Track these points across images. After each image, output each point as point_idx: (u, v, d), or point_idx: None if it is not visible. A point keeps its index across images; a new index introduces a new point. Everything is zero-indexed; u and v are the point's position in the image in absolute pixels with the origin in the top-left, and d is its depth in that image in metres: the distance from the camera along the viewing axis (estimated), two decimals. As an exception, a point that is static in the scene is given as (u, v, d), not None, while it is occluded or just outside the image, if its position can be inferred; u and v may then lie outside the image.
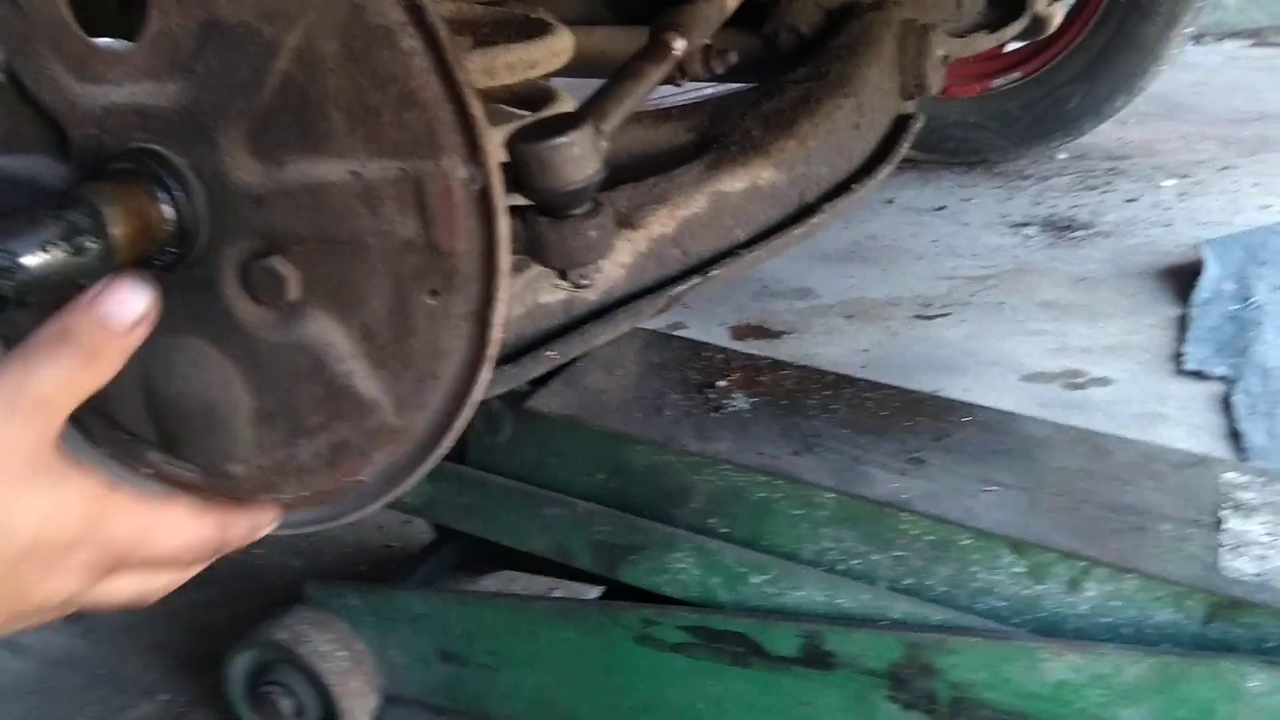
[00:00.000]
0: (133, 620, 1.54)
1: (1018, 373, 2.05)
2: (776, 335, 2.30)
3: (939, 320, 2.30)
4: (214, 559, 0.83)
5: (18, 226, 0.75)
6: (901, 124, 1.44)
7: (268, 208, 0.82)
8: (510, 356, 1.07)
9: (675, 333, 2.25)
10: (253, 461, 0.92)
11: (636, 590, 1.14)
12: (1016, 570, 0.97)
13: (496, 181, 0.79)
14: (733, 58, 1.22)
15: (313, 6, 0.76)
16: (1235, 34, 4.64)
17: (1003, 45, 2.62)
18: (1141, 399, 1.93)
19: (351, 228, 0.81)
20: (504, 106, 1.34)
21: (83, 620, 1.55)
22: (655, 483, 1.09)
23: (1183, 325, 2.16)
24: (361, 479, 0.91)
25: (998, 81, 3.08)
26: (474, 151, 0.77)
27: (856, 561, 1.02)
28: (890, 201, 3.00)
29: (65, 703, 1.43)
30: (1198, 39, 4.35)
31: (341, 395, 0.87)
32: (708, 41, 1.15)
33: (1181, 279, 2.37)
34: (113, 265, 0.80)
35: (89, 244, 0.77)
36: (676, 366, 1.25)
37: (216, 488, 0.96)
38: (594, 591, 1.32)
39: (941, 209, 2.98)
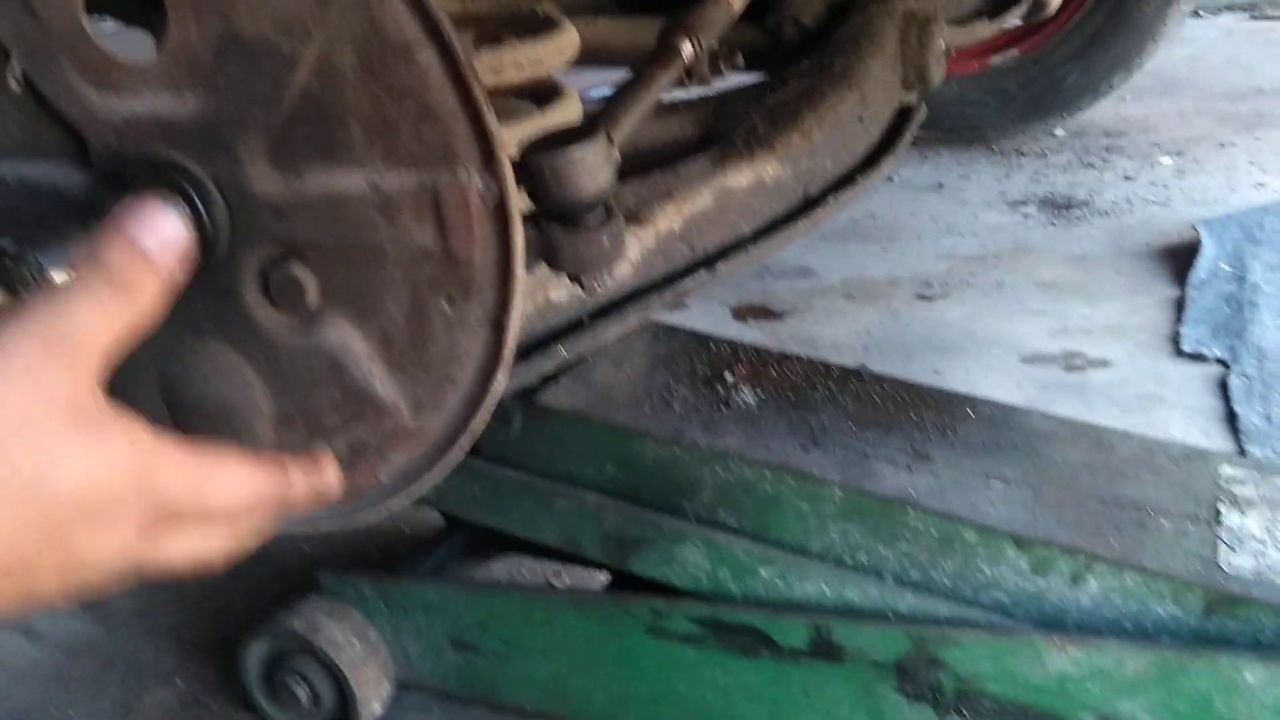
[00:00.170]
0: (147, 606, 1.56)
1: (1018, 354, 2.07)
2: (778, 316, 2.32)
3: (939, 301, 2.32)
4: (277, 519, 0.75)
5: (43, 239, 0.76)
6: (904, 115, 1.45)
7: (287, 216, 0.84)
8: (521, 353, 1.08)
9: (677, 313, 2.28)
10: (272, 462, 0.94)
11: (643, 580, 1.16)
12: (1020, 565, 1.00)
13: (512, 192, 0.80)
14: (739, 60, 1.23)
15: (330, 21, 0.77)
16: (1232, 7, 4.63)
17: (1001, 24, 2.62)
18: (1140, 381, 1.95)
19: (370, 236, 0.83)
20: (512, 100, 1.35)
21: (98, 606, 1.57)
22: (665, 476, 1.11)
23: (1180, 306, 2.17)
24: (379, 479, 0.93)
25: (995, 59, 3.08)
26: (490, 163, 0.79)
27: (863, 555, 1.05)
28: (889, 179, 3.01)
29: (81, 689, 1.45)
30: (1195, 12, 4.34)
31: (359, 398, 0.89)
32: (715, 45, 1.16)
33: (1179, 258, 2.39)
34: (136, 276, 0.82)
35: (114, 256, 0.79)
36: (684, 359, 1.27)
37: (236, 487, 0.97)
38: (600, 576, 1.34)
39: (940, 187, 2.99)
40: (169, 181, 0.84)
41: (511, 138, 1.08)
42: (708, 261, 1.21)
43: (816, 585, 1.05)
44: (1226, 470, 1.10)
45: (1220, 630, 0.94)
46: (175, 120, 0.84)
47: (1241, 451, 1.69)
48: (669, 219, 1.19)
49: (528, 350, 1.09)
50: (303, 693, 1.25)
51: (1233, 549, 0.98)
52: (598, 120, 0.94)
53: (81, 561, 0.58)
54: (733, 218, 1.24)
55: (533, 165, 0.83)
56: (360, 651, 1.24)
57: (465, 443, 0.89)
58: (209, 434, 0.95)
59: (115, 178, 0.86)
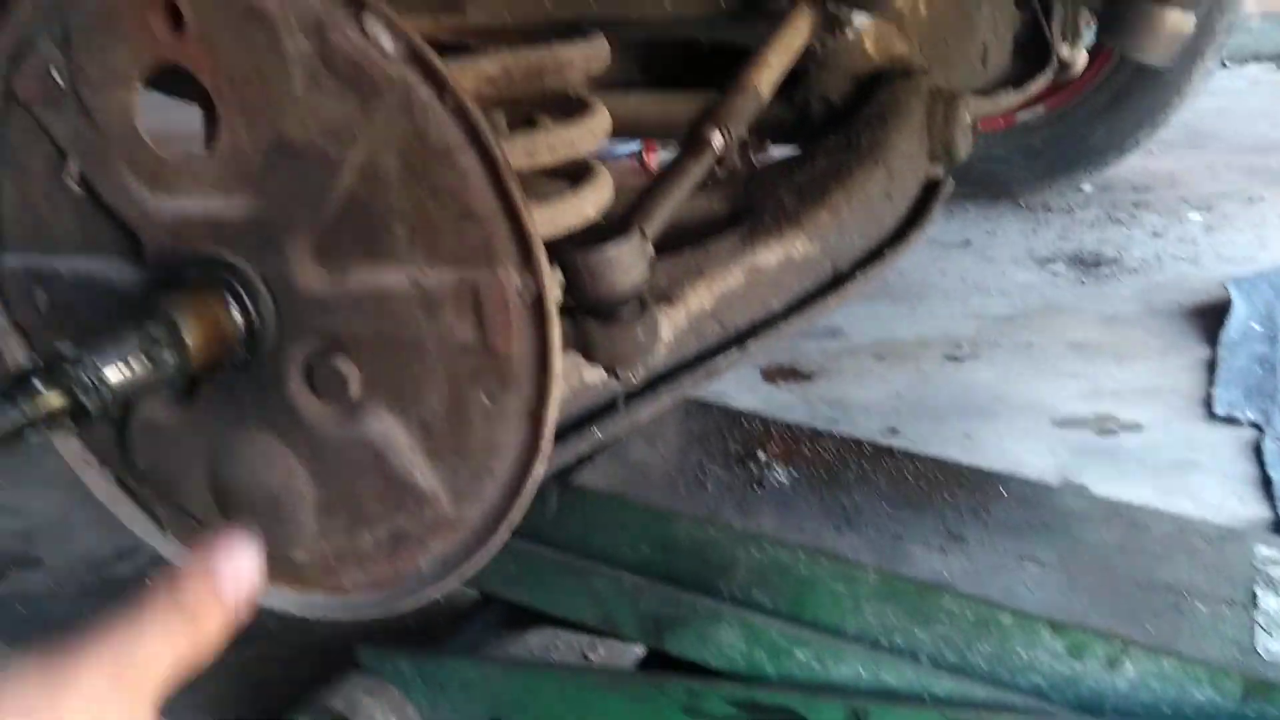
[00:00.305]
0: (188, 677, 1.58)
1: (1049, 417, 2.07)
2: (808, 377, 2.33)
3: (969, 362, 2.33)
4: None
5: (100, 342, 0.79)
6: (931, 189, 1.47)
7: (332, 312, 0.86)
8: (557, 435, 1.10)
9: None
10: (315, 549, 0.96)
11: (679, 658, 1.16)
12: (1057, 649, 1.00)
13: (550, 290, 0.82)
14: (769, 148, 1.26)
15: (375, 127, 0.80)
16: (1259, 58, 4.64)
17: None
18: (1173, 445, 1.94)
19: (411, 331, 0.85)
20: (544, 179, 1.38)
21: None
22: (700, 556, 1.12)
23: (1212, 367, 2.17)
24: (419, 566, 0.94)
25: (1022, 115, 3.10)
26: (529, 262, 0.81)
27: (899, 637, 1.05)
28: (917, 237, 3.02)
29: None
30: (1221, 63, 4.35)
31: (400, 487, 0.91)
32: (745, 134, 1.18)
33: (1209, 318, 2.39)
34: (187, 373, 0.85)
35: (167, 356, 0.81)
36: (717, 437, 1.28)
37: (279, 573, 0.99)
38: (635, 649, 1.35)
39: (967, 244, 3.00)
40: (219, 280, 0.86)
41: (544, 218, 1.10)
42: (739, 339, 1.22)
43: (852, 667, 1.06)
44: (1262, 551, 1.10)
45: (1258, 716, 0.94)
46: (225, 220, 0.86)
47: (1277, 517, 1.68)
48: (700, 298, 1.21)
49: (563, 432, 1.11)
50: (342, 768, 1.26)
51: (1269, 633, 0.98)
52: (632, 216, 0.96)
53: None
54: (763, 294, 1.26)
55: (569, 263, 0.85)
56: (398, 728, 1.25)
57: (504, 532, 0.90)
58: (254, 519, 0.97)
59: (167, 274, 0.89)
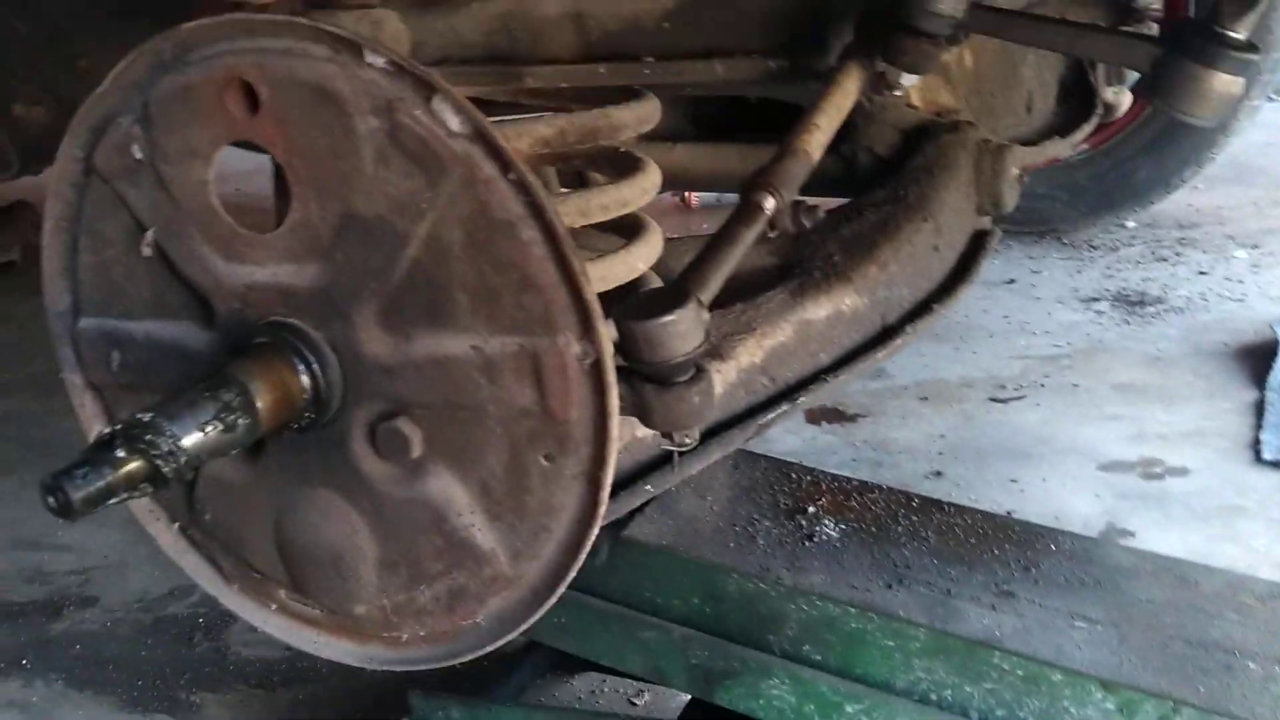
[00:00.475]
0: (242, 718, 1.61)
1: (1095, 461, 2.06)
2: (851, 419, 2.33)
3: (1014, 403, 2.32)
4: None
5: (178, 410, 0.82)
6: (979, 240, 1.48)
7: (396, 376, 0.89)
8: (610, 491, 1.12)
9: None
10: (375, 604, 0.99)
11: (728, 710, 1.17)
12: (1107, 707, 1.00)
13: (608, 357, 0.85)
14: (820, 213, 1.28)
15: (440, 201, 0.83)
16: (1305, 91, 4.60)
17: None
18: (1220, 490, 1.93)
19: (472, 396, 0.88)
20: (596, 234, 1.40)
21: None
22: (750, 610, 1.13)
23: (1259, 410, 2.15)
24: (477, 621, 0.96)
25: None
26: (587, 330, 0.84)
27: (949, 693, 1.06)
28: (960, 276, 3.02)
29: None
30: (1267, 96, 4.32)
31: (460, 546, 0.93)
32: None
33: (1256, 359, 2.37)
34: (257, 435, 0.88)
35: (239, 421, 0.84)
36: (766, 490, 1.30)
37: (339, 626, 1.02)
38: (681, 698, 1.36)
39: (1012, 282, 2.99)
40: (288, 345, 0.90)
41: (596, 274, 1.12)
42: (788, 393, 1.23)
43: (902, 722, 1.07)
44: (1314, 609, 1.10)
45: (1312, 779, 0.94)
46: (295, 288, 0.90)
47: (1328, 567, 1.67)
48: (750, 353, 1.22)
49: (616, 487, 1.13)
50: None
51: (1322, 695, 0.98)
52: (688, 283, 0.98)
53: None
54: (812, 349, 1.27)
55: (626, 330, 0.87)
56: (450, 774, 1.27)
57: (561, 589, 0.92)
58: (317, 575, 1.00)
59: (237, 339, 0.92)
